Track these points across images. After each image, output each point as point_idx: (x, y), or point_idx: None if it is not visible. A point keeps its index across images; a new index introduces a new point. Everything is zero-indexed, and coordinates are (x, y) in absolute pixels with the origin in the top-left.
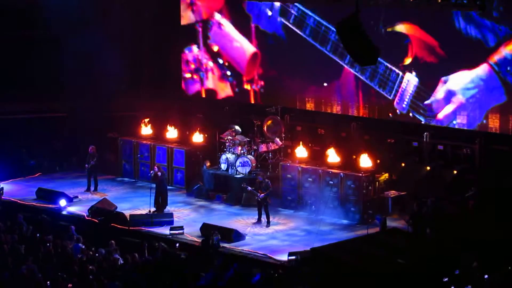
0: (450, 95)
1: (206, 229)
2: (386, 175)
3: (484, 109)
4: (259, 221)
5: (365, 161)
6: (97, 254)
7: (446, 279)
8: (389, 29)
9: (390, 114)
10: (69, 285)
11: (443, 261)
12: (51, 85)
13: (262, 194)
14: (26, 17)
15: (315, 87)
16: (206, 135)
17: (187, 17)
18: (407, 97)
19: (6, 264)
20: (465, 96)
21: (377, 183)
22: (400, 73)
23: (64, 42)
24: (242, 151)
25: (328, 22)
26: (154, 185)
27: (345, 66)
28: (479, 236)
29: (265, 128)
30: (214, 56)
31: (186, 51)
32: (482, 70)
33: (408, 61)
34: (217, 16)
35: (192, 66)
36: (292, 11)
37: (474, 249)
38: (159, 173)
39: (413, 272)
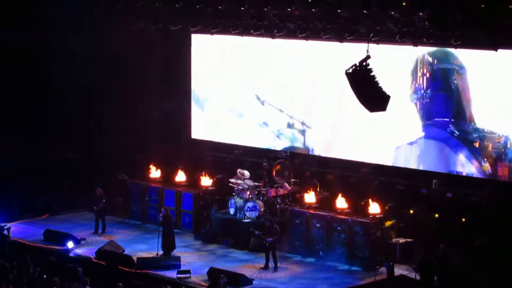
0: None
1: (213, 273)
2: (394, 221)
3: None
4: (266, 266)
5: (373, 207)
6: None
7: None
8: None
9: None
10: None
11: None
12: (61, 128)
13: (271, 239)
14: (41, 60)
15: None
16: (214, 179)
17: None
18: None
19: None
20: None
21: (385, 229)
22: None
23: (72, 85)
24: (250, 196)
25: None
26: (161, 228)
27: None
28: (487, 285)
29: (274, 173)
30: None
31: None
32: None
33: None
34: None
35: None
36: None
37: None
38: (163, 211)
39: None
